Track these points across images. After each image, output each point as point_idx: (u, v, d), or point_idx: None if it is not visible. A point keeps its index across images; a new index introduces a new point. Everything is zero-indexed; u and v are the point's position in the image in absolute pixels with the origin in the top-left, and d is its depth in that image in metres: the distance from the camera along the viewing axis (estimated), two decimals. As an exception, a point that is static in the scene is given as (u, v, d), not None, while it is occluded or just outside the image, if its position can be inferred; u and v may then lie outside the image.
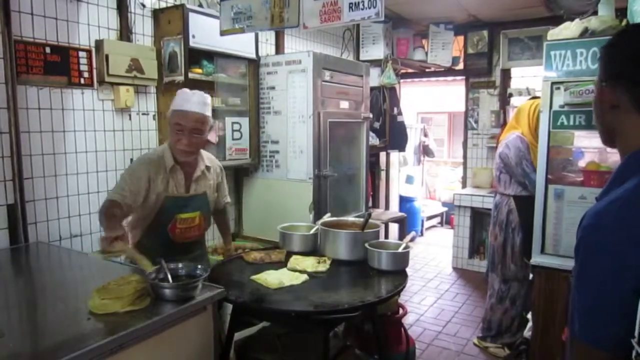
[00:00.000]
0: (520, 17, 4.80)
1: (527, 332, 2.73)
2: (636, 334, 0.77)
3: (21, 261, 2.19)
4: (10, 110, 2.19)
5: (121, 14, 2.69)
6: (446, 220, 7.39)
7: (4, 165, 2.23)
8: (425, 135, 7.35)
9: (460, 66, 5.43)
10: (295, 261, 2.22)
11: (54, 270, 2.13)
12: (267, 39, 3.76)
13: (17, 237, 2.26)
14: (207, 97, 2.12)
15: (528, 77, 5.32)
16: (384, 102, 4.80)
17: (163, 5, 2.91)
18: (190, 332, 1.62)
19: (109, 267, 1.97)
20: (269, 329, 2.31)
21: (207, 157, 2.30)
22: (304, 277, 2.06)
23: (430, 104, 9.15)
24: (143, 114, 2.87)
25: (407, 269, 2.21)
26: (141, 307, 1.49)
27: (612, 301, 0.81)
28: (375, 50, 4.76)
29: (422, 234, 6.77)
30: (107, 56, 2.52)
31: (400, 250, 2.21)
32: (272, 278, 2.01)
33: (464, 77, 5.56)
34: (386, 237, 4.34)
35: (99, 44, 2.54)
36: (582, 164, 2.42)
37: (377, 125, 4.75)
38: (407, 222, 5.00)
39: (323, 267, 2.18)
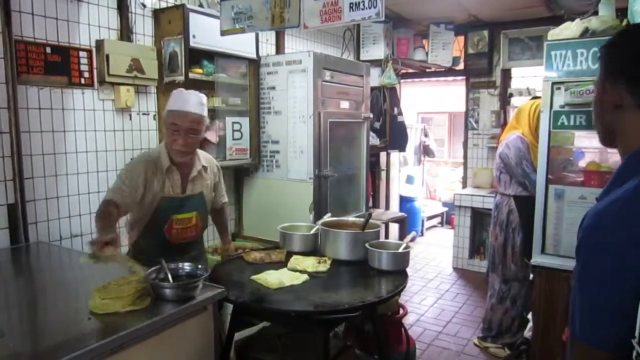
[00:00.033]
0: (520, 17, 4.79)
1: (527, 333, 2.73)
2: (637, 334, 0.77)
3: (21, 261, 2.19)
4: (10, 110, 2.20)
5: (122, 14, 2.69)
6: (446, 220, 7.39)
7: (4, 165, 2.23)
8: (426, 135, 7.35)
9: (461, 66, 5.42)
10: (296, 261, 2.22)
11: (54, 270, 2.13)
12: (268, 39, 3.76)
13: (17, 237, 2.26)
14: (203, 97, 2.11)
15: (528, 77, 5.31)
16: (384, 102, 4.80)
17: (163, 5, 2.91)
18: (191, 332, 1.62)
19: (109, 267, 1.97)
20: (269, 329, 2.31)
21: (204, 157, 2.28)
22: (304, 277, 2.06)
23: (430, 104, 9.16)
24: (143, 114, 2.87)
25: (408, 269, 2.21)
26: (141, 307, 1.49)
27: (612, 301, 0.81)
28: (376, 50, 4.76)
29: (422, 234, 6.77)
30: (107, 56, 2.52)
31: (400, 250, 2.21)
32: (272, 278, 2.01)
33: (464, 77, 5.56)
34: (386, 237, 4.34)
35: (99, 44, 2.54)
36: (582, 164, 2.42)
37: (377, 125, 4.75)
38: (408, 222, 5.00)
39: (323, 267, 2.18)
